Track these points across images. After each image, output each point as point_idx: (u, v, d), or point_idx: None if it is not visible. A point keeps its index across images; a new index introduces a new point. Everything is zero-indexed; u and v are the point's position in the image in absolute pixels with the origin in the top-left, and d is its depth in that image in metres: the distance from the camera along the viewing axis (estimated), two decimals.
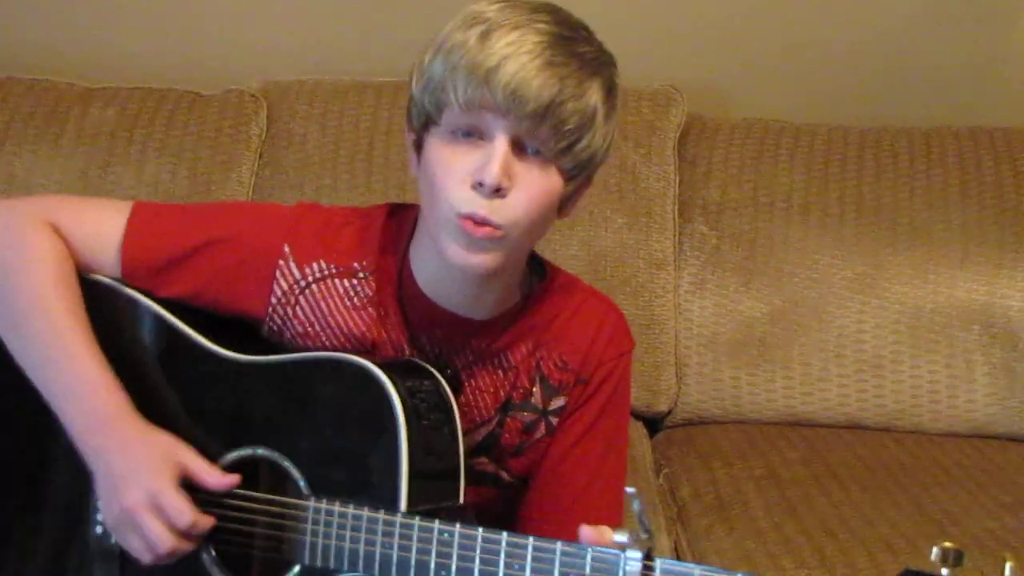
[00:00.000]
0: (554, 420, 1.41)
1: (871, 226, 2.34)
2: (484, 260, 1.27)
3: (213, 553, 1.34)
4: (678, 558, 1.96)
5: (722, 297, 2.33)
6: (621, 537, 1.14)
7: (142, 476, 1.28)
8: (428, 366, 1.37)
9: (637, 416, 2.32)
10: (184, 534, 1.28)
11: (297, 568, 1.30)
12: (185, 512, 1.27)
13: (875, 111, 2.58)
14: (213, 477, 1.31)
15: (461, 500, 1.31)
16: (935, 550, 1.04)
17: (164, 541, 1.27)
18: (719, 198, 2.38)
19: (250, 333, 1.42)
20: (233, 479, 1.32)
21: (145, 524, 1.27)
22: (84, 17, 2.61)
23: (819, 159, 2.41)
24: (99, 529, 1.37)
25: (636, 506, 1.14)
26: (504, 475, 1.43)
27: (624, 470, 1.47)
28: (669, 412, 2.35)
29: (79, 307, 1.36)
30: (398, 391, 1.28)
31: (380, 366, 1.31)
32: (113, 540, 1.35)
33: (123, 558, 1.35)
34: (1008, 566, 1.03)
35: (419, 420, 1.28)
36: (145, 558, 1.29)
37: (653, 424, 2.36)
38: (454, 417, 1.33)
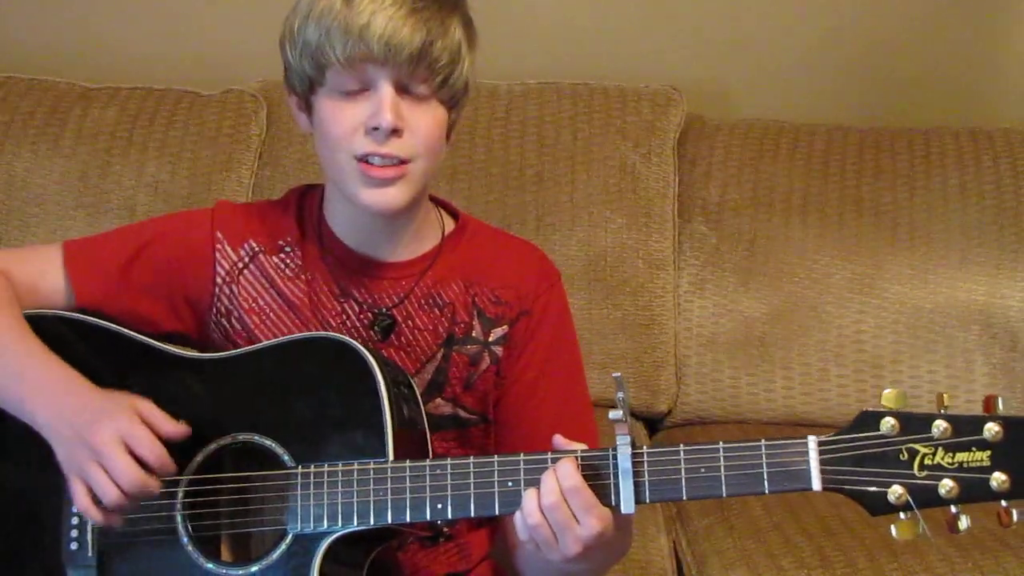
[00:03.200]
0: (497, 350, 1.48)
1: (871, 226, 2.34)
2: (394, 196, 1.37)
3: (199, 543, 1.34)
4: (677, 558, 1.96)
5: (722, 297, 2.33)
6: (616, 414, 1.23)
7: (109, 416, 1.29)
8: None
9: (637, 416, 2.32)
10: (156, 470, 1.28)
11: (291, 537, 1.31)
12: (155, 446, 1.28)
13: (875, 111, 2.58)
14: (169, 425, 1.31)
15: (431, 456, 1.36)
16: (885, 394, 1.20)
17: (131, 475, 1.26)
18: (719, 198, 2.38)
19: (201, 347, 1.48)
20: (184, 428, 1.32)
21: (114, 459, 1.26)
22: (84, 17, 2.61)
23: (819, 159, 2.40)
24: (74, 546, 1.37)
25: (620, 393, 1.23)
26: (462, 412, 1.49)
27: (587, 392, 1.55)
28: (669, 412, 2.35)
29: (19, 319, 1.39)
30: (375, 358, 1.33)
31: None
32: (89, 554, 1.35)
33: (100, 571, 1.35)
34: (944, 396, 1.21)
35: (394, 385, 1.34)
36: (108, 497, 1.27)
37: (653, 424, 2.37)
38: (417, 395, 1.40)
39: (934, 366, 2.27)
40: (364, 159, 1.36)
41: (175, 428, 1.31)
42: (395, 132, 1.35)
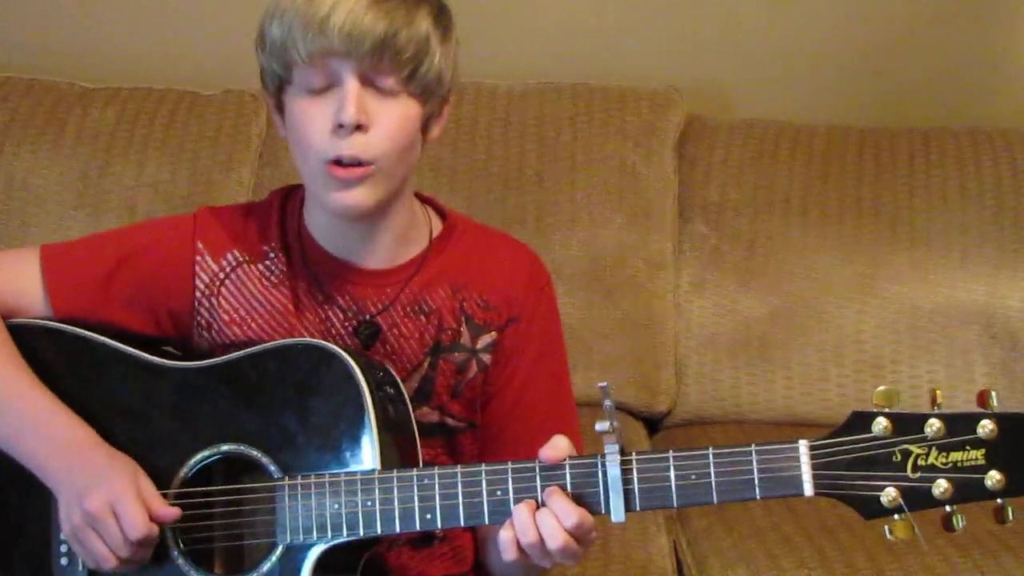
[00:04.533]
0: (485, 357, 1.45)
1: (871, 226, 2.34)
2: (360, 197, 1.34)
3: (189, 556, 1.33)
4: (677, 558, 1.96)
5: (722, 297, 2.33)
6: (603, 425, 1.21)
7: (104, 483, 1.30)
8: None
9: (637, 416, 2.32)
10: (136, 543, 1.29)
11: (280, 548, 1.30)
12: (139, 523, 1.28)
13: (875, 111, 2.58)
14: (161, 508, 1.31)
15: (420, 464, 1.34)
16: (877, 392, 1.19)
17: (121, 546, 1.28)
18: (719, 198, 2.38)
19: (184, 349, 1.47)
20: (174, 512, 1.32)
21: (106, 527, 1.28)
22: (84, 17, 2.61)
23: (819, 159, 2.40)
24: (64, 561, 1.36)
25: (607, 402, 1.22)
26: (449, 420, 1.46)
27: (572, 395, 1.53)
28: (669, 412, 2.35)
29: (10, 346, 1.39)
30: (357, 363, 1.32)
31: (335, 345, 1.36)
32: (80, 570, 1.35)
33: None
34: (937, 392, 1.20)
35: (379, 389, 1.32)
36: (107, 564, 1.29)
37: (653, 424, 2.36)
38: (404, 394, 1.37)
39: (934, 366, 2.27)
40: (334, 162, 1.33)
41: (166, 510, 1.31)
42: (360, 128, 1.31)
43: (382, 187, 1.35)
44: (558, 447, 1.25)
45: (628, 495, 1.22)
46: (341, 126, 1.31)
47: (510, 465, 1.25)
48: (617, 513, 1.22)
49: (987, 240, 2.32)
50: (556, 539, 1.21)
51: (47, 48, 2.59)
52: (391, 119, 1.33)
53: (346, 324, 1.43)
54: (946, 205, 2.35)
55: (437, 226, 1.49)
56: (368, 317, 1.43)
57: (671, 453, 1.22)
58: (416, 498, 1.26)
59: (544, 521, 1.22)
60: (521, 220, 2.31)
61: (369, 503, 1.27)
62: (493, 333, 1.45)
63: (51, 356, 1.41)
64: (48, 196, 2.31)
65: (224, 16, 2.60)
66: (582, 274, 2.29)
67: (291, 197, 1.50)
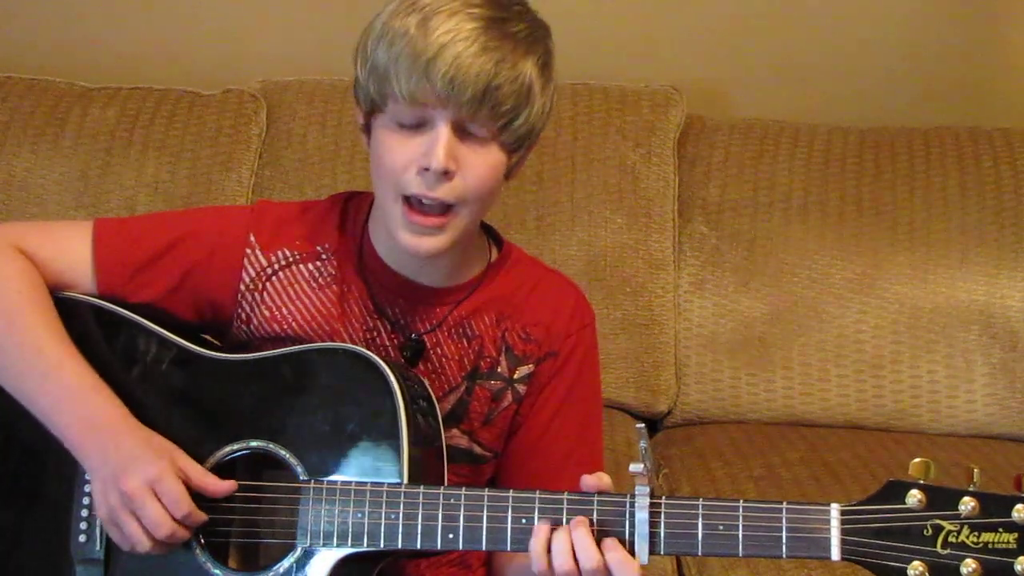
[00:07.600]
0: (520, 388, 1.45)
1: (871, 226, 2.34)
2: (435, 244, 1.34)
3: (207, 548, 1.33)
4: (677, 559, 1.96)
5: (722, 297, 2.33)
6: (636, 467, 1.21)
7: (142, 463, 1.29)
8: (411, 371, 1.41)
9: (637, 416, 2.32)
10: (180, 521, 1.29)
11: (299, 550, 1.30)
12: (182, 500, 1.28)
13: (875, 111, 2.58)
14: (211, 482, 1.32)
15: (445, 483, 1.34)
16: (912, 463, 1.17)
17: (161, 526, 1.28)
18: (719, 198, 2.38)
19: (221, 337, 1.48)
20: (230, 484, 1.32)
21: (145, 508, 1.28)
22: (84, 17, 2.61)
23: (819, 159, 2.41)
24: (82, 538, 1.36)
25: (643, 443, 1.21)
26: (477, 448, 1.46)
27: (601, 438, 1.52)
28: (669, 412, 2.35)
29: (55, 319, 1.39)
30: (394, 373, 1.32)
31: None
32: (97, 548, 1.35)
33: (107, 565, 1.35)
34: (975, 471, 1.16)
35: (413, 402, 1.32)
36: (141, 545, 1.29)
37: (653, 424, 2.36)
38: (436, 409, 1.37)
39: (934, 366, 2.27)
40: (414, 199, 1.32)
41: (214, 483, 1.31)
42: (446, 174, 1.30)
43: (458, 231, 1.35)
44: (601, 479, 1.26)
45: (654, 537, 1.22)
46: (427, 170, 1.30)
47: (538, 494, 1.25)
48: (642, 555, 1.22)
49: (987, 240, 2.32)
50: (591, 562, 1.21)
51: (47, 48, 2.60)
52: (478, 167, 1.32)
53: (392, 338, 1.43)
54: (946, 205, 2.35)
55: (493, 254, 1.49)
56: (415, 335, 1.43)
57: (701, 501, 1.22)
58: (440, 516, 1.26)
59: (584, 545, 1.22)
60: (521, 220, 2.32)
61: (393, 516, 1.27)
62: (531, 365, 1.45)
63: (94, 333, 1.41)
64: (48, 196, 2.31)
65: (224, 16, 2.61)
66: (582, 274, 2.29)
67: (354, 202, 1.48)
